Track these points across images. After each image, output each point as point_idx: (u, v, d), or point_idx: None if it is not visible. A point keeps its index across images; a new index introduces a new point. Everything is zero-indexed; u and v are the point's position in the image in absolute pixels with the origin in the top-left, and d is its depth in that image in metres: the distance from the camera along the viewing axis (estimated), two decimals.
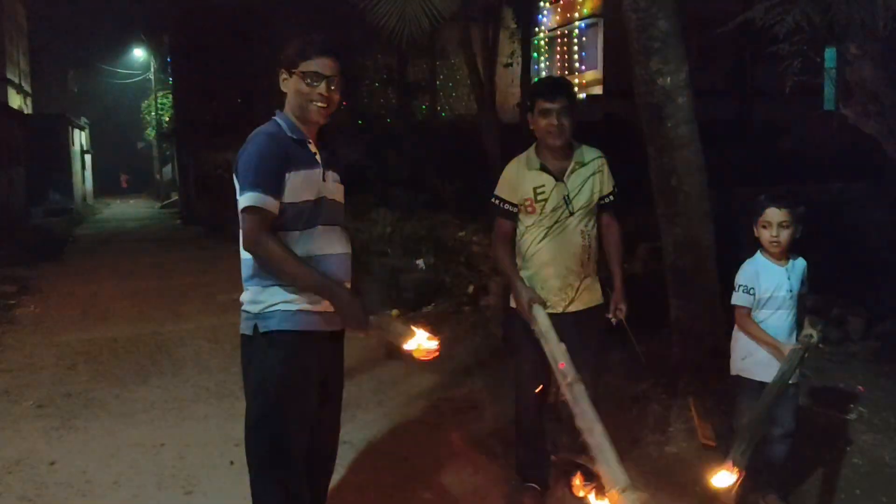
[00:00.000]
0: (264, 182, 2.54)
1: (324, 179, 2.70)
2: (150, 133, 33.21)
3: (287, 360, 2.63)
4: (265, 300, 2.62)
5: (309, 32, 2.75)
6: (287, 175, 2.58)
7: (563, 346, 3.01)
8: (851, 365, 4.83)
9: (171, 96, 26.30)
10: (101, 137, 35.85)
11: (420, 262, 8.76)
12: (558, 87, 3.37)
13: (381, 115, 19.71)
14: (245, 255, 2.66)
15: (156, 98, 30.51)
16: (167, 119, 28.56)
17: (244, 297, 2.69)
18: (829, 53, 5.31)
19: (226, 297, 8.32)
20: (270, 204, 2.54)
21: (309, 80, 2.63)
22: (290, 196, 2.59)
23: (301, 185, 2.60)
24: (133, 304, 8.73)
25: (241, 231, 2.59)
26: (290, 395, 2.65)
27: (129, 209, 28.75)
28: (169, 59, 25.21)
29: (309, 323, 2.65)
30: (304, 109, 2.66)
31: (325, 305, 2.65)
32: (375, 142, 16.22)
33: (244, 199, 2.54)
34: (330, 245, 2.70)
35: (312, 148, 2.69)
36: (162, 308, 8.43)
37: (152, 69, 31.36)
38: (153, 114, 31.48)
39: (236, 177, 2.62)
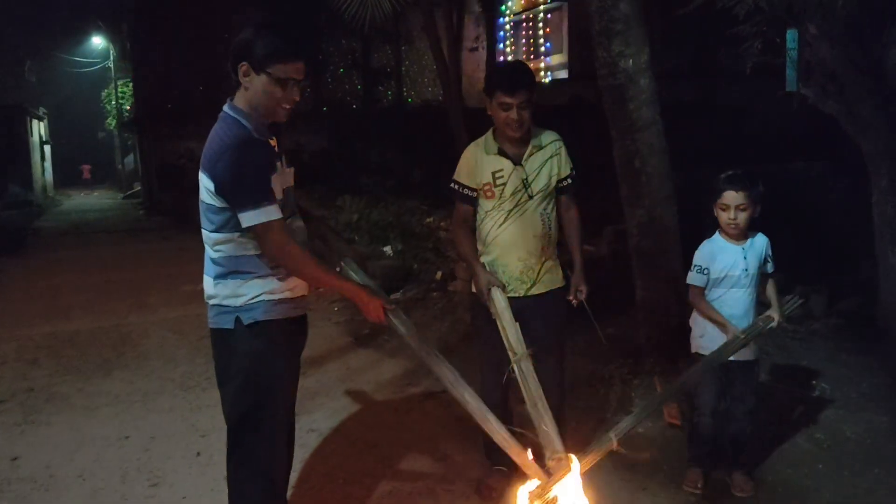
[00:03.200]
0: (267, 194, 2.52)
1: (282, 170, 2.70)
2: (111, 122, 32.57)
3: (276, 347, 2.68)
4: (247, 293, 2.63)
5: (276, 27, 2.66)
6: (270, 179, 2.58)
7: (516, 326, 3.08)
8: (814, 342, 4.92)
9: (131, 85, 25.84)
10: (60, 128, 35.16)
11: (387, 249, 8.73)
12: (518, 80, 3.27)
13: (346, 101, 19.58)
14: (215, 254, 2.66)
15: (116, 87, 29.91)
16: (128, 108, 28.07)
17: (217, 290, 2.67)
18: (791, 35, 5.35)
19: (191, 287, 8.21)
20: (279, 211, 2.55)
21: (282, 85, 2.57)
22: None
23: (277, 187, 2.60)
24: (96, 297, 8.59)
25: (264, 244, 2.56)
26: (280, 384, 2.72)
27: (90, 200, 28.26)
28: (129, 47, 24.75)
29: (289, 310, 2.71)
30: (270, 111, 2.62)
31: (298, 291, 2.72)
32: (341, 128, 16.10)
33: (259, 216, 2.50)
34: (293, 236, 2.69)
35: (273, 143, 2.67)
36: (125, 300, 8.31)
37: (112, 57, 30.72)
38: (113, 103, 30.89)
39: (222, 187, 2.53)
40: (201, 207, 2.64)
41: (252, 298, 2.63)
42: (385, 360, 5.63)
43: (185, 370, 5.63)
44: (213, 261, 2.68)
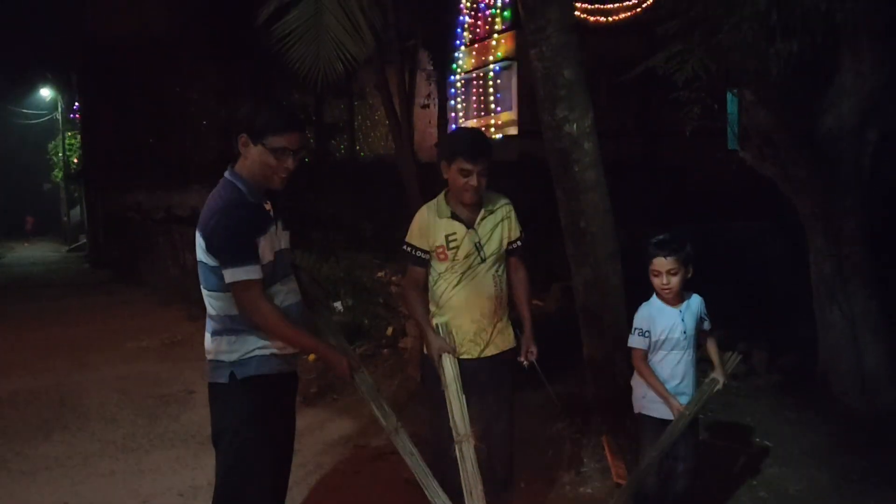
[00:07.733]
0: (249, 254, 2.70)
1: (276, 233, 2.86)
2: (58, 175, 32.09)
3: (269, 403, 2.84)
4: (240, 349, 2.80)
5: (273, 103, 2.89)
6: (257, 241, 2.75)
7: (463, 400, 3.15)
8: (757, 398, 4.99)
9: (79, 137, 25.54)
10: (4, 179, 34.53)
11: (338, 305, 8.67)
12: (480, 148, 3.32)
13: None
14: (212, 311, 2.83)
15: (63, 139, 29.56)
16: (75, 160, 27.69)
17: (214, 346, 2.83)
18: (731, 97, 5.56)
19: (134, 344, 8.06)
20: (259, 272, 2.72)
21: (278, 156, 2.76)
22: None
23: (266, 249, 2.78)
24: (36, 355, 8.34)
25: (237, 301, 2.74)
26: (266, 437, 2.83)
27: (34, 253, 27.62)
28: (77, 99, 24.52)
29: (280, 365, 2.87)
30: (267, 178, 2.81)
31: (288, 349, 2.87)
32: (292, 182, 16.05)
33: (238, 273, 2.68)
34: (286, 298, 2.88)
35: (268, 207, 2.85)
36: (67, 357, 8.07)
37: (59, 109, 30.41)
38: (60, 155, 30.47)
39: (210, 245, 2.73)
40: (198, 266, 2.81)
41: (245, 354, 2.80)
42: (333, 419, 5.56)
43: (127, 432, 5.49)
44: (210, 317, 2.85)
